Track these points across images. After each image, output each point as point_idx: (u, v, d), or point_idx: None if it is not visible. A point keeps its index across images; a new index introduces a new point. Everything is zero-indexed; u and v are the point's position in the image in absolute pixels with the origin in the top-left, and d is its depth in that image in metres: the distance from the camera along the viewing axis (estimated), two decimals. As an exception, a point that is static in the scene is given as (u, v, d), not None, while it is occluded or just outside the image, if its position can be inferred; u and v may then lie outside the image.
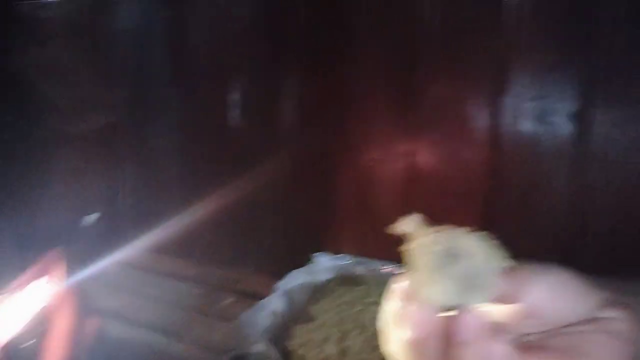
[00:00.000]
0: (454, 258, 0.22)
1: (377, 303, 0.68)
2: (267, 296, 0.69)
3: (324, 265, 0.77)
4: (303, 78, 0.85)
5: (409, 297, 0.24)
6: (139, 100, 1.02)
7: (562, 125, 0.67)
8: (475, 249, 0.23)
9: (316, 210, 0.88)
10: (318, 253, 0.79)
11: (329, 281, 0.76)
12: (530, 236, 0.69)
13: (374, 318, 0.64)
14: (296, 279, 0.73)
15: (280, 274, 0.72)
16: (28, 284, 0.33)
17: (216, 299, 0.83)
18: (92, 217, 0.84)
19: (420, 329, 0.24)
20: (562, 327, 0.27)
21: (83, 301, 0.38)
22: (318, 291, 0.74)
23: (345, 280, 0.76)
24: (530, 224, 0.70)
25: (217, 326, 0.76)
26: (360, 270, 0.77)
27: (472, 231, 0.23)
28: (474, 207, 0.74)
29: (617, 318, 0.26)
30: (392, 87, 0.78)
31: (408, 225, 0.24)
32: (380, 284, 0.72)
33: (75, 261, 0.39)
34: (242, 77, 0.90)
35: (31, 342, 0.35)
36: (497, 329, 0.25)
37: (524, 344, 0.27)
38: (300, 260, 0.77)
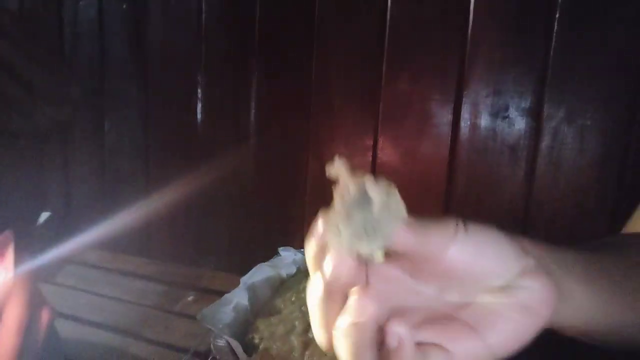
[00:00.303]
0: (360, 206, 0.24)
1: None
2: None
3: (289, 259, 0.77)
4: (267, 73, 0.85)
5: (322, 242, 0.25)
6: (98, 95, 0.98)
7: (516, 120, 0.70)
8: (382, 200, 0.24)
9: (280, 206, 0.87)
10: (282, 247, 0.78)
11: (293, 275, 0.76)
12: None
13: (337, 310, 0.65)
14: (260, 272, 0.72)
15: (242, 271, 0.71)
16: None
17: (176, 296, 0.82)
18: (45, 215, 0.80)
19: (333, 273, 0.25)
20: (477, 293, 0.27)
21: (34, 294, 0.35)
22: (282, 285, 0.74)
23: (309, 273, 0.76)
24: (485, 215, 0.73)
25: (177, 324, 0.74)
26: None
27: (384, 182, 0.25)
28: (434, 199, 0.76)
29: (534, 289, 0.26)
30: (355, 83, 0.79)
31: (336, 169, 0.25)
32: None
33: (26, 255, 0.37)
34: (204, 72, 0.89)
35: None
36: (399, 311, 0.26)
37: (431, 315, 0.27)
38: (263, 256, 0.77)
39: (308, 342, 0.61)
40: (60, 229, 0.99)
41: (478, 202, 0.74)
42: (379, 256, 0.24)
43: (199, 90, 0.89)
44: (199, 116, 0.90)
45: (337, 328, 0.25)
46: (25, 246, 0.37)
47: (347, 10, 0.77)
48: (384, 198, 0.24)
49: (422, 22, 0.73)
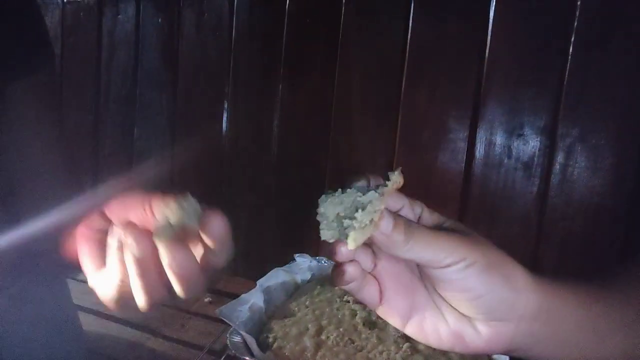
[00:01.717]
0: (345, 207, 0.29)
1: (353, 302, 0.70)
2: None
3: (304, 265, 0.79)
4: (290, 86, 0.88)
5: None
6: (130, 103, 1.03)
7: (531, 138, 0.72)
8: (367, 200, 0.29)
9: (297, 214, 0.90)
10: (298, 254, 0.81)
11: (307, 280, 0.78)
12: (497, 240, 0.72)
13: (349, 315, 0.66)
14: (276, 277, 0.75)
15: (258, 276, 0.73)
16: None
17: (193, 298, 0.84)
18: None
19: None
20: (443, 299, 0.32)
21: None
22: (297, 289, 0.76)
23: (324, 280, 0.77)
24: (499, 230, 0.74)
25: (193, 323, 0.77)
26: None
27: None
28: (449, 213, 0.77)
29: (478, 334, 0.30)
30: (375, 97, 0.82)
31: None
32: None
33: None
34: (232, 83, 0.93)
35: None
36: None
37: (400, 270, 0.32)
38: (279, 262, 0.79)
39: (320, 344, 0.63)
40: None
41: (492, 217, 0.75)
42: (350, 242, 0.28)
43: (226, 101, 0.93)
44: (224, 125, 0.94)
45: None
46: None
47: (370, 27, 0.81)
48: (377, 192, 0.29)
49: (442, 40, 0.76)
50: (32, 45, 0.54)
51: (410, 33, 0.78)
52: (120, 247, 0.34)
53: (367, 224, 0.28)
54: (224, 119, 0.94)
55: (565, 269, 0.68)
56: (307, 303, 0.70)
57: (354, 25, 0.82)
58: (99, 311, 0.78)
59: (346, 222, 0.28)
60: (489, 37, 0.72)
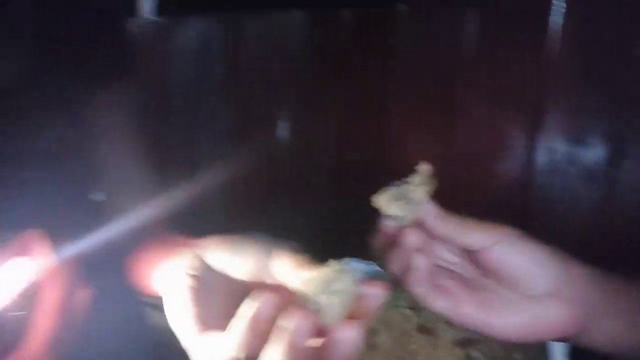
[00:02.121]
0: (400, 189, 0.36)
1: (405, 307, 0.70)
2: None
3: (356, 268, 0.80)
4: (347, 96, 0.90)
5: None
6: (192, 113, 1.10)
7: (595, 144, 0.69)
8: (416, 186, 0.36)
9: (351, 220, 0.91)
10: (353, 258, 0.82)
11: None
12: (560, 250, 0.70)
13: (402, 319, 0.67)
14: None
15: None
16: (6, 260, 0.35)
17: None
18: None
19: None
20: (507, 289, 0.32)
21: (72, 278, 0.39)
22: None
23: (377, 285, 0.78)
24: (560, 239, 0.71)
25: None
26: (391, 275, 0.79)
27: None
28: (507, 222, 0.75)
29: (555, 314, 0.30)
30: (430, 105, 0.82)
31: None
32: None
33: (64, 240, 0.40)
34: (291, 94, 0.97)
35: (19, 314, 0.36)
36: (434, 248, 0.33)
37: (461, 276, 0.33)
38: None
39: (373, 345, 0.63)
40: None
41: (554, 225, 0.73)
42: (405, 220, 0.33)
43: (283, 112, 0.97)
44: (281, 135, 0.97)
45: None
46: (65, 235, 0.41)
47: (425, 33, 0.81)
48: (417, 183, 0.34)
49: (500, 45, 0.75)
50: (118, 58, 0.60)
51: (467, 38, 0.77)
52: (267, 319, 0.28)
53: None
54: (282, 127, 0.97)
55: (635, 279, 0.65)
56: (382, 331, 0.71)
57: (409, 31, 0.83)
58: (161, 305, 0.82)
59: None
60: (550, 41, 0.71)
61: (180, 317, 0.32)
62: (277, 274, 0.33)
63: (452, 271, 0.35)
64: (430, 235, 0.34)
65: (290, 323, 0.27)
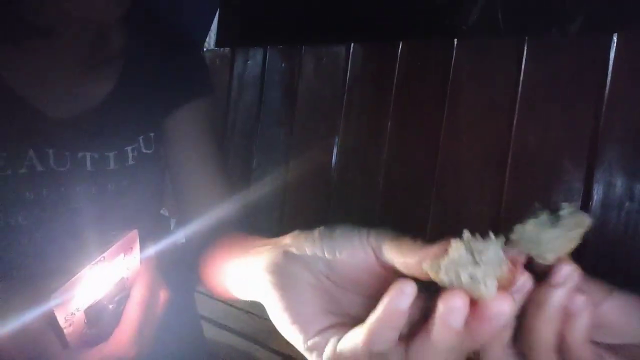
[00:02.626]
0: (551, 221, 0.28)
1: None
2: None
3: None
4: (399, 124, 0.93)
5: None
6: (252, 138, 1.15)
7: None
8: (570, 219, 0.29)
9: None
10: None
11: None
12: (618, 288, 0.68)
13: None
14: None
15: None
16: (110, 258, 0.38)
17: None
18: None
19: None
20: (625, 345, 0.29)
21: (156, 278, 0.42)
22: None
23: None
24: (619, 279, 0.69)
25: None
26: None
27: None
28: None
29: None
30: (484, 135, 0.83)
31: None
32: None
33: (146, 242, 0.43)
34: (344, 120, 1.00)
35: (111, 306, 0.39)
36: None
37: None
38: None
39: None
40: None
41: (612, 263, 0.71)
42: (550, 259, 0.28)
43: (337, 136, 1.00)
44: (334, 158, 1.01)
45: None
46: (150, 237, 0.45)
47: (481, 70, 0.83)
48: (571, 215, 0.28)
49: (556, 81, 0.76)
50: (192, 79, 0.65)
51: (523, 75, 0.78)
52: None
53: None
54: (334, 152, 1.01)
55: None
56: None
57: (465, 67, 0.85)
58: (216, 320, 0.86)
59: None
60: (609, 77, 0.71)
61: (278, 320, 0.31)
62: (389, 259, 0.29)
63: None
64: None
65: (445, 305, 0.25)
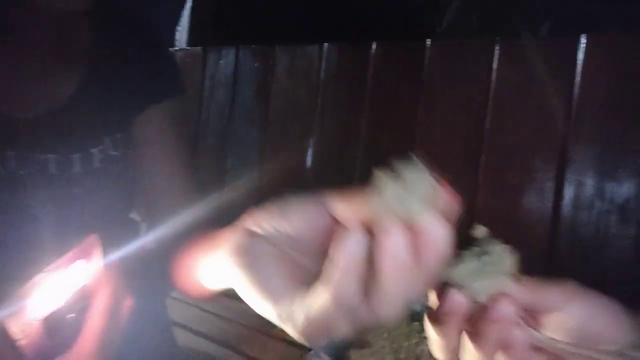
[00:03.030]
0: (481, 261, 0.29)
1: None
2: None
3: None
4: (374, 123, 0.93)
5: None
6: (224, 138, 1.13)
7: (626, 179, 0.69)
8: (499, 258, 0.29)
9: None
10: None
11: (385, 313, 0.78)
12: (590, 287, 0.69)
13: (428, 352, 0.66)
14: (354, 307, 0.76)
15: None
16: (67, 264, 0.36)
17: (274, 322, 0.87)
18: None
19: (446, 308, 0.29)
20: (589, 349, 0.29)
21: (119, 286, 0.40)
22: (374, 321, 0.76)
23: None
24: (591, 277, 0.70)
25: (273, 345, 0.80)
26: (417, 306, 0.79)
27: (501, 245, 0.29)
28: (535, 256, 0.75)
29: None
30: (458, 135, 0.83)
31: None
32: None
33: (113, 248, 0.42)
34: (318, 121, 0.99)
35: (71, 316, 0.37)
36: (523, 322, 0.29)
37: (544, 345, 0.29)
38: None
39: (398, 376, 0.63)
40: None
41: (583, 261, 0.72)
42: (483, 298, 0.28)
43: (311, 137, 0.99)
44: (309, 159, 1.00)
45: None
46: (118, 242, 0.43)
47: (454, 71, 0.84)
48: (499, 253, 0.29)
49: (528, 82, 0.76)
50: (161, 79, 0.63)
51: (495, 75, 0.79)
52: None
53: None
54: (310, 153, 1.00)
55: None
56: (384, 335, 0.71)
57: (438, 68, 0.85)
58: (189, 327, 0.84)
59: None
60: (578, 78, 0.72)
61: (249, 298, 0.30)
62: (340, 214, 0.30)
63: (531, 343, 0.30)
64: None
65: (386, 239, 0.25)
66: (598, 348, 0.29)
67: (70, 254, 0.35)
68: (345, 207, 0.29)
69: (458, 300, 0.28)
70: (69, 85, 0.56)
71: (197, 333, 0.82)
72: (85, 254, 0.37)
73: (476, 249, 0.29)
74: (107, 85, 0.59)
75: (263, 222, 0.32)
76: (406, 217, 0.26)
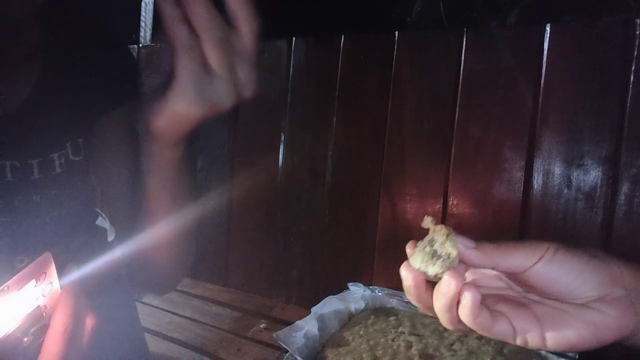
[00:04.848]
0: (432, 247, 0.34)
1: (408, 333, 0.69)
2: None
3: (358, 294, 0.79)
4: (344, 118, 0.92)
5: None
6: (194, 137, 1.10)
7: (592, 167, 0.70)
8: (444, 242, 0.34)
9: (351, 242, 0.91)
10: (352, 283, 0.81)
11: (361, 310, 0.78)
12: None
13: (405, 346, 0.66)
14: (330, 305, 0.76)
15: (311, 304, 0.75)
16: (20, 283, 0.34)
17: (249, 323, 0.86)
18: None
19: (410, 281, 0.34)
20: (556, 301, 0.32)
21: (79, 303, 0.39)
22: (350, 319, 0.76)
23: (378, 310, 0.77)
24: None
25: (249, 348, 0.79)
26: (393, 301, 0.78)
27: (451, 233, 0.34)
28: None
29: (608, 315, 0.31)
30: (428, 127, 0.83)
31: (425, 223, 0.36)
32: (413, 317, 0.73)
33: (72, 269, 0.40)
34: (289, 117, 0.98)
35: (26, 339, 0.35)
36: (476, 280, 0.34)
37: (510, 299, 0.33)
38: (332, 290, 0.80)
39: (374, 373, 0.62)
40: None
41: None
42: (438, 278, 0.34)
43: (282, 134, 0.98)
44: (280, 157, 0.98)
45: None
46: (72, 260, 0.41)
47: (422, 62, 0.83)
48: (444, 240, 0.34)
49: (495, 72, 0.76)
50: (124, 81, 0.61)
51: (463, 66, 0.79)
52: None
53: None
54: (281, 151, 0.98)
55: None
56: (361, 332, 0.70)
57: (407, 60, 0.85)
58: (162, 333, 0.82)
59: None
60: (544, 67, 0.72)
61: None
62: None
63: (499, 295, 0.35)
64: (470, 266, 0.35)
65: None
66: (566, 301, 0.32)
67: (20, 275, 0.33)
68: None
69: (411, 277, 0.34)
70: (22, 88, 0.53)
71: (169, 339, 0.80)
72: (38, 274, 0.35)
73: (427, 238, 0.35)
74: (63, 87, 0.56)
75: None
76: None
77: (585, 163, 0.70)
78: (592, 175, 0.70)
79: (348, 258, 0.92)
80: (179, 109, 0.40)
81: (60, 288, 0.38)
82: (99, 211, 0.70)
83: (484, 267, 0.33)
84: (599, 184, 0.70)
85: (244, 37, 0.39)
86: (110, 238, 0.76)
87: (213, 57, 0.38)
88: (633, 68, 0.66)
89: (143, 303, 0.92)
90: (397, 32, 0.86)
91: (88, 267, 0.51)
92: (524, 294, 0.34)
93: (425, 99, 0.83)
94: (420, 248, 0.35)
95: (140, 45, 1.21)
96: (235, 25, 0.37)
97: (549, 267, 0.31)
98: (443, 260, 0.34)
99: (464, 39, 0.79)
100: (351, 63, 0.90)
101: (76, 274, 0.41)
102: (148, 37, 1.25)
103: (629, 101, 0.66)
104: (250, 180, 1.04)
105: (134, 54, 1.15)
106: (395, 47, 0.85)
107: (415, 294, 0.35)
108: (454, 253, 0.34)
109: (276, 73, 0.99)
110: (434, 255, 0.34)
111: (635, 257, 0.67)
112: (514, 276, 0.34)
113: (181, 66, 0.39)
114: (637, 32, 0.66)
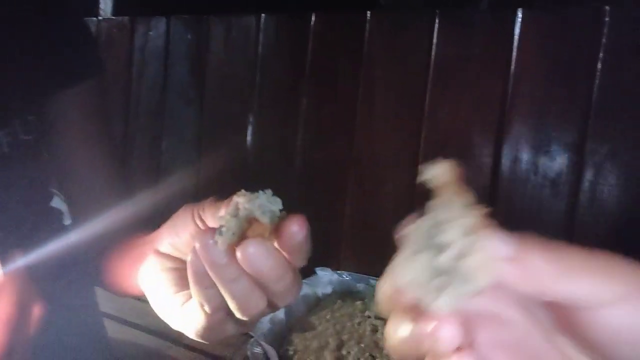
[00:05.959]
0: (436, 248, 0.19)
1: (374, 317, 0.69)
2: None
3: (325, 279, 0.79)
4: (315, 100, 0.90)
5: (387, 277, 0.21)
6: (158, 117, 1.06)
7: (558, 154, 0.71)
8: (465, 240, 0.18)
9: (319, 227, 0.90)
10: (320, 267, 0.81)
11: (328, 294, 0.78)
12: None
13: (371, 330, 0.66)
14: (297, 289, 0.75)
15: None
16: None
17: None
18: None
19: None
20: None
21: (24, 291, 0.37)
22: (318, 303, 0.75)
23: (345, 294, 0.77)
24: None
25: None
26: (360, 286, 0.78)
27: (477, 211, 0.19)
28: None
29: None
30: (398, 113, 0.82)
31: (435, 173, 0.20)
32: (379, 300, 0.73)
33: (18, 253, 0.38)
34: (257, 98, 0.95)
35: None
36: None
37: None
38: (300, 274, 0.79)
39: (340, 358, 0.62)
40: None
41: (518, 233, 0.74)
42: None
43: (251, 114, 0.95)
44: (249, 139, 0.96)
45: None
46: (22, 244, 0.39)
47: (394, 44, 0.82)
48: (476, 243, 0.18)
49: (467, 56, 0.76)
50: (80, 55, 0.57)
51: (435, 49, 0.78)
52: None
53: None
54: (249, 132, 0.95)
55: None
56: (327, 317, 0.70)
57: (378, 41, 0.83)
58: (123, 318, 0.79)
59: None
60: (514, 53, 0.72)
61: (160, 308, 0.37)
62: (206, 222, 0.36)
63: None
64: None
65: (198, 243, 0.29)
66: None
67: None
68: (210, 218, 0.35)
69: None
70: None
71: (131, 324, 0.78)
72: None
73: (436, 215, 0.20)
74: (12, 61, 0.52)
75: (166, 239, 0.38)
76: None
77: (552, 149, 0.71)
78: (557, 162, 0.71)
79: (317, 242, 0.91)
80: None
81: (4, 275, 0.36)
82: (55, 191, 0.67)
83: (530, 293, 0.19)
84: (564, 170, 0.70)
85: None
86: (68, 222, 0.72)
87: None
88: (601, 55, 0.66)
89: (103, 288, 0.89)
90: (368, 12, 0.84)
91: (39, 251, 0.49)
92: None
93: (396, 82, 0.82)
94: (420, 236, 0.19)
95: (100, 18, 1.14)
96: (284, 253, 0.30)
97: (626, 320, 0.19)
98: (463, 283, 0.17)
99: (436, 22, 0.77)
100: (322, 42, 0.88)
101: (23, 259, 0.38)
102: (109, 9, 1.19)
103: (595, 89, 0.67)
104: (218, 162, 1.01)
105: (93, 28, 1.09)
106: (367, 28, 0.83)
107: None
108: (483, 279, 0.17)
109: (244, 51, 0.95)
110: (451, 272, 0.18)
111: (597, 243, 0.69)
112: (565, 313, 0.20)
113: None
114: (606, 20, 0.66)
